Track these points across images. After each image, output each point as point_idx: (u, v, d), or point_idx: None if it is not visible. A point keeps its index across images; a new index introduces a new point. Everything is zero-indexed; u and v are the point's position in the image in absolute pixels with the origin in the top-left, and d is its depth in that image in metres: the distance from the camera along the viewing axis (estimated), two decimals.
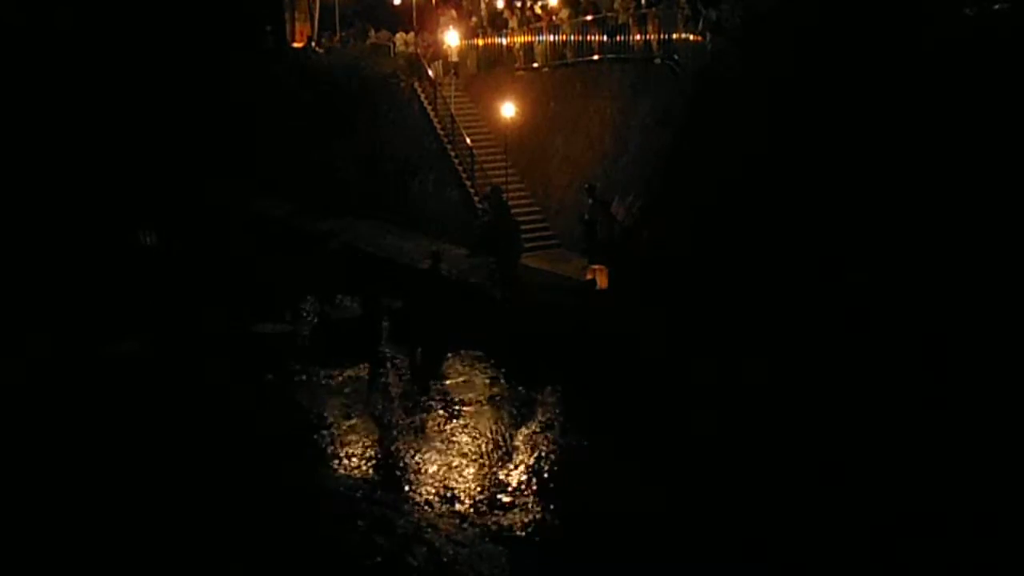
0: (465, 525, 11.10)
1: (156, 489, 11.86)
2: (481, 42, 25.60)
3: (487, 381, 15.82)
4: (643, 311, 15.36)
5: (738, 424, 12.54)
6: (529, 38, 23.76)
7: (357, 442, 13.62)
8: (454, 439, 13.57)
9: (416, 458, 12.99)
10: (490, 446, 13.32)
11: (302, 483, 12.42)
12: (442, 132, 24.06)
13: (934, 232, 12.72)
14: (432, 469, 12.63)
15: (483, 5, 27.10)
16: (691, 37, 18.38)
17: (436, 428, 14.01)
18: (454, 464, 12.76)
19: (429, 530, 10.99)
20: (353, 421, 14.38)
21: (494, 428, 13.95)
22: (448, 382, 15.94)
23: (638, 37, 20.16)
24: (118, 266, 21.13)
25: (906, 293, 12.63)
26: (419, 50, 26.60)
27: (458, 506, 11.57)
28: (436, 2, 29.33)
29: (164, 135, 29.06)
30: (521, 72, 23.78)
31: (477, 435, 13.67)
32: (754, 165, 15.06)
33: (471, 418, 14.29)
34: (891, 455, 11.30)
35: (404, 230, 24.26)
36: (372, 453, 13.30)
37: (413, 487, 12.15)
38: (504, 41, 24.73)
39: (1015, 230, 12.10)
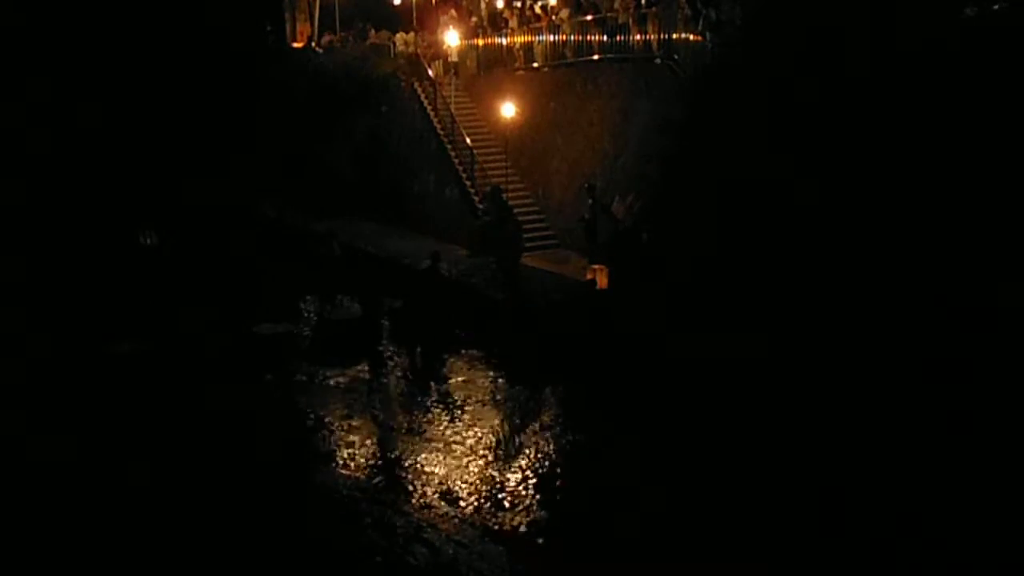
0: (465, 525, 11.10)
1: (155, 489, 11.85)
2: (481, 42, 25.61)
3: (487, 381, 15.83)
4: (643, 311, 15.36)
5: (739, 423, 12.54)
6: (529, 38, 23.77)
7: (357, 442, 13.62)
8: (454, 439, 13.57)
9: (416, 458, 12.99)
10: (490, 446, 13.32)
11: (302, 483, 12.42)
12: (442, 132, 24.07)
13: (935, 232, 12.72)
14: (432, 469, 12.63)
15: (483, 5, 27.11)
16: (691, 37, 18.38)
17: (436, 428, 14.01)
18: (454, 464, 12.76)
19: (429, 530, 10.98)
20: (353, 421, 14.38)
21: (494, 428, 13.95)
22: (448, 382, 15.95)
23: (638, 37, 20.16)
24: (118, 266, 21.11)
25: (906, 293, 12.63)
26: (419, 50, 26.62)
27: (458, 506, 11.57)
28: (436, 2, 29.33)
29: (164, 135, 29.03)
30: (521, 72, 23.78)
31: (477, 435, 13.67)
32: (754, 165, 15.06)
33: (471, 418, 14.29)
34: (895, 462, 11.30)
35: (404, 230, 24.29)
36: (372, 453, 13.30)
37: (413, 487, 12.15)
38: (504, 41, 24.73)
39: (1014, 228, 12.10)
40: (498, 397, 15.18)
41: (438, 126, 24.27)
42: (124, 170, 27.20)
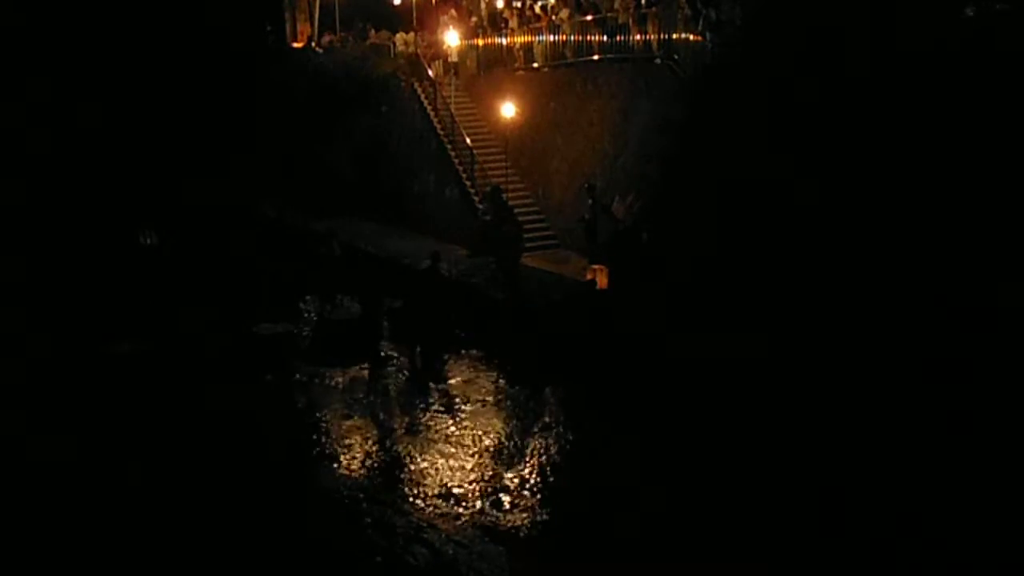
0: (465, 525, 11.10)
1: (155, 489, 11.85)
2: (481, 42, 25.61)
3: (487, 381, 15.83)
4: (643, 311, 15.36)
5: (739, 423, 12.54)
6: (529, 38, 23.76)
7: (357, 442, 13.62)
8: (454, 439, 13.57)
9: (416, 458, 12.99)
10: (490, 446, 13.33)
11: (302, 483, 12.42)
12: (442, 132, 24.07)
13: (935, 231, 12.72)
14: (432, 469, 12.63)
15: (483, 5, 27.10)
16: (691, 37, 18.37)
17: (436, 428, 14.01)
18: (454, 464, 12.76)
19: (429, 530, 10.99)
20: (353, 421, 14.38)
21: (494, 428, 13.96)
22: (448, 382, 15.95)
23: (638, 37, 20.15)
24: (118, 266, 21.11)
25: (906, 292, 12.63)
26: (419, 50, 26.61)
27: (458, 506, 11.57)
28: (436, 2, 29.32)
29: (164, 135, 29.03)
30: (521, 72, 23.78)
31: (477, 435, 13.67)
32: (754, 165, 15.06)
33: (471, 418, 14.29)
34: (895, 462, 11.31)
35: (404, 230, 24.28)
36: (372, 453, 13.30)
37: (413, 487, 12.15)
38: (504, 41, 24.72)
39: (1015, 228, 12.11)
40: (498, 397, 15.19)
41: (438, 126, 24.26)
42: (124, 170, 27.20)
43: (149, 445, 13.21)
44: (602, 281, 17.35)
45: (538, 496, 11.76)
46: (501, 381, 15.80)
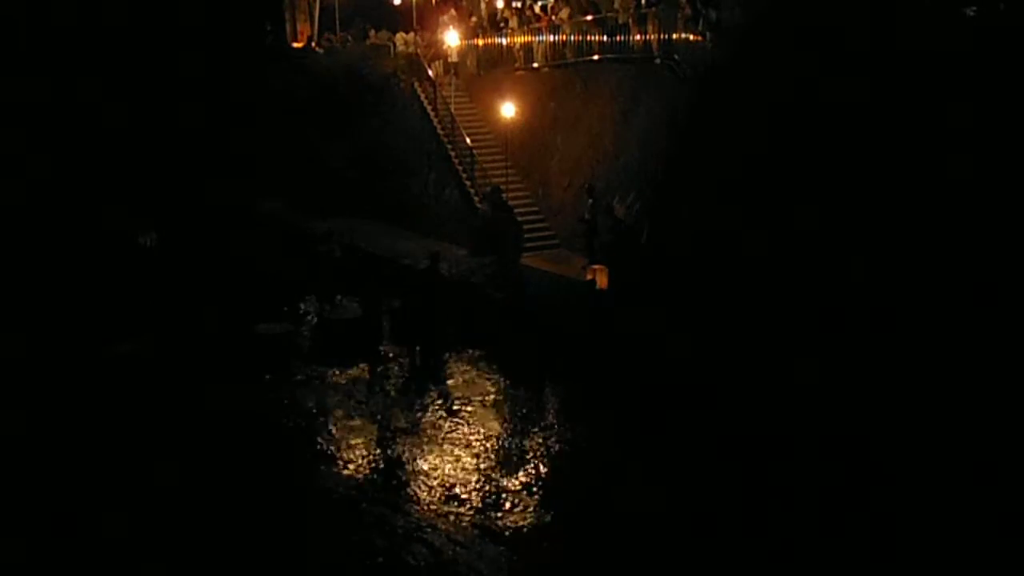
0: (465, 525, 11.10)
1: (155, 489, 11.85)
2: (481, 42, 25.59)
3: (487, 381, 15.83)
4: (643, 311, 15.36)
5: (739, 423, 12.55)
6: (529, 38, 23.75)
7: (357, 442, 13.62)
8: (454, 439, 13.57)
9: (416, 458, 12.99)
10: (490, 446, 13.33)
11: (302, 483, 12.42)
12: (442, 132, 24.06)
13: (935, 231, 12.72)
14: (432, 469, 12.63)
15: (483, 5, 27.08)
16: (691, 37, 18.37)
17: (436, 428, 14.01)
18: (454, 464, 12.76)
19: (429, 530, 10.99)
20: (353, 421, 14.38)
21: (494, 427, 13.96)
22: (448, 382, 15.95)
23: (638, 37, 20.15)
24: (118, 266, 21.11)
25: (906, 292, 12.63)
26: (419, 50, 26.59)
27: (458, 506, 11.56)
28: (436, 2, 29.31)
29: (164, 135, 29.01)
30: (521, 72, 23.76)
31: (477, 434, 13.67)
32: (754, 165, 15.06)
33: (471, 417, 14.29)
34: (894, 462, 11.32)
35: (404, 230, 24.27)
36: (372, 453, 13.30)
37: (413, 487, 12.15)
38: (504, 41, 24.71)
39: (1015, 227, 12.11)
40: (498, 397, 15.18)
41: (438, 126, 24.26)
42: (124, 170, 27.19)
43: (149, 445, 13.20)
44: (602, 281, 17.35)
45: (538, 496, 11.76)
46: (501, 381, 15.80)
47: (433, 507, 11.56)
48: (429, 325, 17.66)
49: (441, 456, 13.01)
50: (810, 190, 14.11)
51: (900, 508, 10.53)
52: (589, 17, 21.73)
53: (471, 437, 13.60)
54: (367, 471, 12.71)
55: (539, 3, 24.63)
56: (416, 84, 25.47)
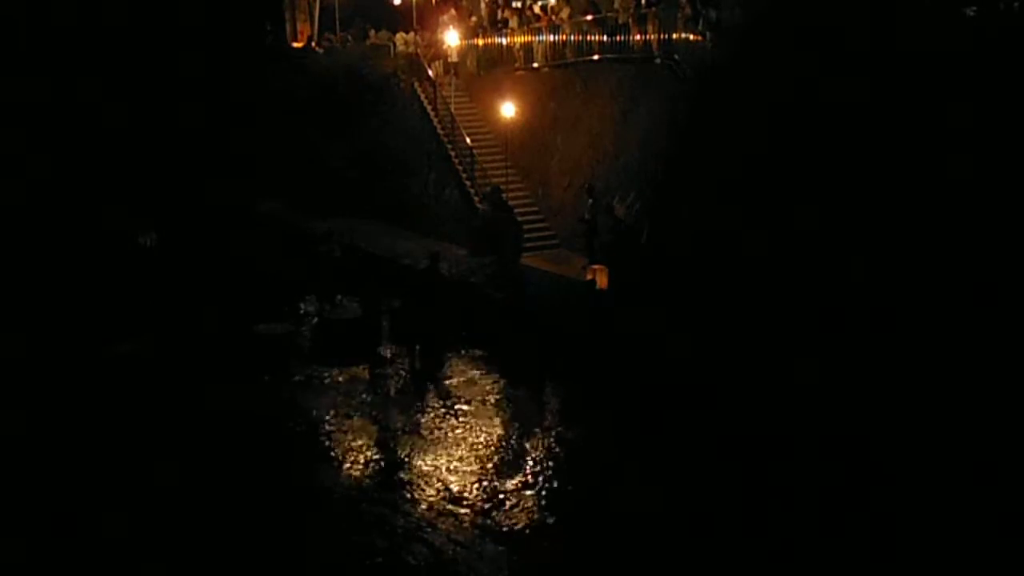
0: (465, 525, 11.10)
1: (154, 489, 11.85)
2: (481, 42, 25.59)
3: (487, 381, 15.82)
4: (643, 311, 15.36)
5: (738, 423, 12.54)
6: (529, 38, 23.75)
7: (357, 442, 13.61)
8: (454, 439, 13.57)
9: (416, 458, 12.99)
10: (490, 445, 13.32)
11: (302, 483, 12.41)
12: (442, 132, 24.06)
13: (936, 231, 12.72)
14: (432, 469, 12.62)
15: (483, 5, 27.07)
16: (691, 37, 18.38)
17: (436, 428, 14.00)
18: (454, 464, 12.76)
19: (429, 530, 10.99)
20: (353, 421, 14.38)
21: (494, 427, 13.95)
22: (448, 382, 15.94)
23: (638, 37, 20.15)
24: (118, 267, 21.11)
25: (906, 292, 12.63)
26: (419, 50, 26.59)
27: (458, 506, 11.56)
28: (436, 2, 29.30)
29: (164, 135, 29.01)
30: (521, 72, 23.76)
31: (477, 434, 13.67)
32: (754, 165, 15.06)
33: (471, 418, 14.29)
34: (894, 462, 11.31)
35: (404, 230, 24.28)
36: (372, 453, 13.29)
37: (413, 487, 12.14)
38: (504, 41, 24.71)
39: (1015, 227, 12.11)
40: (498, 397, 15.18)
41: (438, 126, 24.26)
42: (124, 170, 27.19)
43: (149, 445, 13.20)
44: (602, 281, 17.36)
45: (538, 496, 11.76)
46: (501, 381, 15.79)
47: (433, 507, 11.56)
48: (429, 325, 17.66)
49: (441, 456, 13.01)
50: (810, 190, 14.11)
51: (900, 508, 10.52)
52: (589, 17, 21.74)
53: (471, 437, 13.60)
54: (367, 471, 12.71)
55: (539, 3, 24.62)
56: (416, 84, 25.47)
